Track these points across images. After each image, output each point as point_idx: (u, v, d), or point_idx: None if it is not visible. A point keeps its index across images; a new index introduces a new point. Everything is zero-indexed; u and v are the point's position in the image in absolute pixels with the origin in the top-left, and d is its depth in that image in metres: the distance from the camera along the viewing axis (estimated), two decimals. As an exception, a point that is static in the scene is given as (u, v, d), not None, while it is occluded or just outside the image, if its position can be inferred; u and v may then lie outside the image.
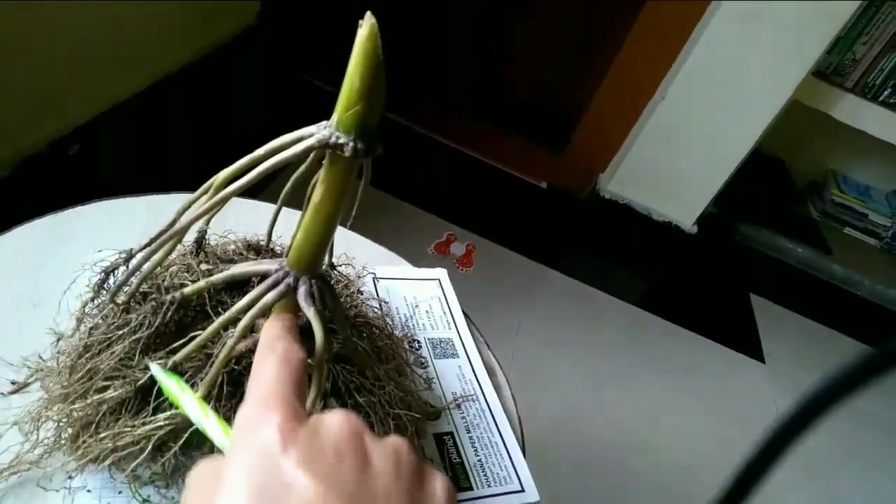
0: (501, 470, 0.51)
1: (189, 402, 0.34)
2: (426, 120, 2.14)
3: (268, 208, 0.47)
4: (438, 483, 0.29)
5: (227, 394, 0.38)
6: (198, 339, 0.38)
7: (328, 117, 0.35)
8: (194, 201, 0.42)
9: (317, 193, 0.36)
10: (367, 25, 0.31)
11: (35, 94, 1.26)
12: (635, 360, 1.73)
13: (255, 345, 0.40)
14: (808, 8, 1.70)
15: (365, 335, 0.46)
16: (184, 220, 0.38)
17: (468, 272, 1.74)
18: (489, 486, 0.50)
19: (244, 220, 0.54)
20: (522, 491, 0.50)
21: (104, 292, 0.44)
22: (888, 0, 1.90)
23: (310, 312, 0.38)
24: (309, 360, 0.37)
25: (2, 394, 0.44)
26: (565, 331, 1.72)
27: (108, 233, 0.58)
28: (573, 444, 1.45)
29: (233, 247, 0.48)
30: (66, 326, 0.46)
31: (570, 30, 2.00)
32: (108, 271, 0.44)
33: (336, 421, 0.28)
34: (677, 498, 1.44)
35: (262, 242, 0.49)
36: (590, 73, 2.03)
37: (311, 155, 0.37)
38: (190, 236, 0.44)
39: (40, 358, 0.45)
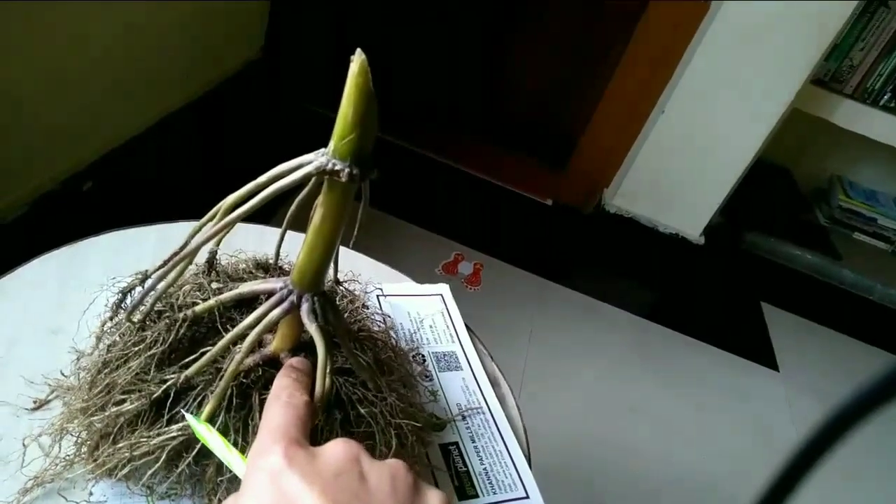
0: (506, 478, 0.52)
1: (216, 442, 0.38)
2: (430, 143, 2.17)
3: (274, 232, 0.49)
4: (435, 499, 0.32)
5: (237, 405, 0.40)
6: (208, 355, 0.40)
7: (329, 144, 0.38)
8: (203, 225, 0.44)
9: (317, 216, 0.39)
10: (357, 61, 0.34)
11: (48, 133, 1.30)
12: (647, 372, 1.73)
13: (262, 359, 0.42)
14: (804, 16, 1.73)
15: (368, 348, 0.48)
16: (194, 243, 0.40)
17: (477, 290, 1.75)
18: (494, 493, 0.51)
19: (252, 242, 0.56)
20: (527, 497, 0.51)
21: (121, 311, 0.46)
22: (882, 5, 1.92)
23: (312, 328, 0.40)
24: (315, 402, 0.39)
25: (25, 409, 0.46)
26: (576, 345, 1.73)
27: (120, 260, 0.61)
28: (585, 459, 1.45)
29: (243, 266, 0.50)
30: (84, 346, 0.48)
31: (569, 47, 2.04)
32: (125, 292, 0.46)
33: (334, 447, 0.32)
34: (695, 509, 1.43)
35: (270, 261, 0.51)
36: (590, 90, 2.05)
37: (312, 180, 0.40)
38: (202, 257, 0.46)
39: (62, 374, 0.47)
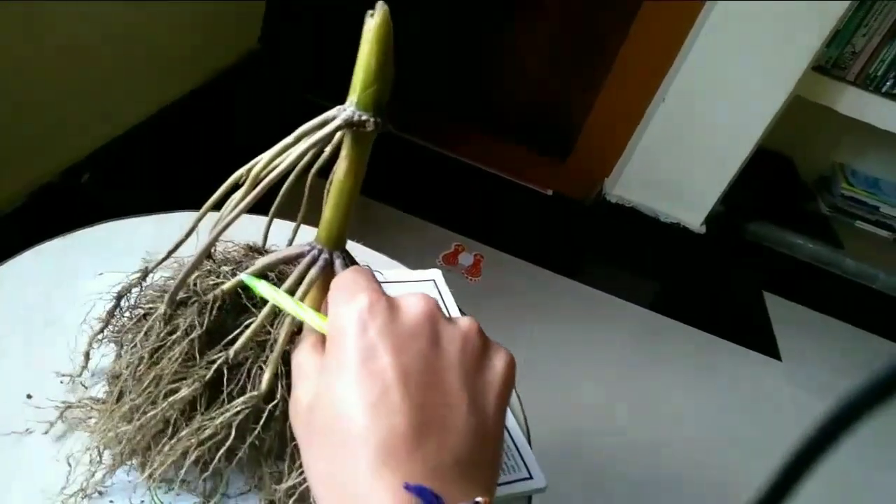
0: (509, 459, 0.53)
1: (283, 298, 0.39)
2: (429, 133, 2.17)
3: (251, 220, 0.49)
4: (500, 359, 0.34)
5: (285, 372, 0.40)
6: (253, 326, 0.41)
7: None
8: (211, 207, 0.44)
9: (340, 170, 0.40)
10: (380, 12, 0.35)
11: (45, 124, 1.30)
12: (649, 362, 1.73)
13: (299, 326, 0.43)
14: (806, 2, 1.71)
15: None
16: (228, 218, 0.41)
17: (477, 282, 1.75)
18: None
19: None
20: (531, 478, 0.52)
21: (118, 313, 0.46)
22: (885, -9, 1.91)
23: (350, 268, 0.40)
24: None
25: (48, 424, 0.45)
26: (577, 336, 1.72)
27: (115, 251, 0.60)
28: (587, 449, 1.45)
29: (234, 254, 0.49)
30: (80, 340, 0.48)
31: (569, 36, 2.02)
32: (122, 295, 0.46)
33: (414, 302, 0.33)
34: (698, 498, 1.43)
35: (258, 245, 0.51)
36: (590, 80, 2.04)
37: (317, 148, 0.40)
38: (195, 245, 0.46)
39: (83, 385, 0.47)
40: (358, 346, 0.31)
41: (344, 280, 0.35)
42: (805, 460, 0.19)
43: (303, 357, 0.35)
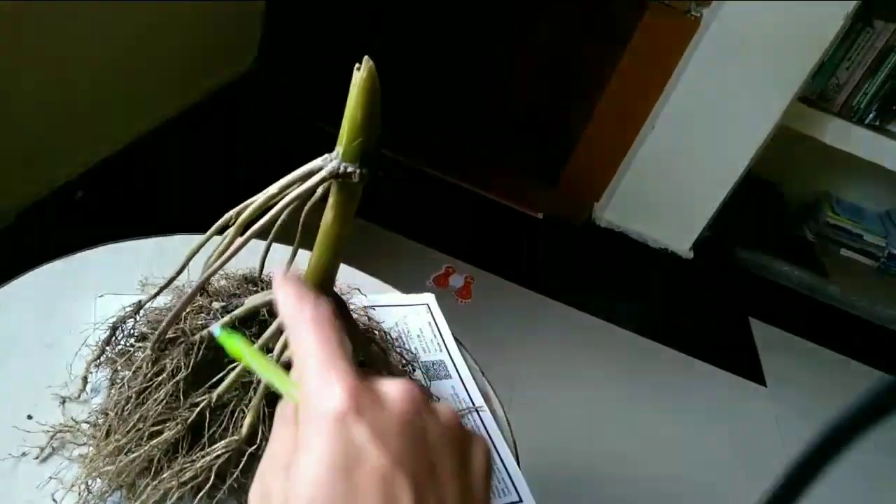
0: (499, 483, 0.53)
1: (253, 358, 0.35)
2: (421, 156, 2.19)
3: (248, 247, 0.50)
4: (479, 448, 0.32)
5: (270, 414, 0.41)
6: (236, 370, 0.41)
7: (324, 151, 0.39)
8: (203, 244, 0.45)
9: (327, 218, 0.40)
10: (365, 67, 0.36)
11: (39, 142, 1.30)
12: (636, 386, 1.74)
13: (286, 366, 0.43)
14: (791, 35, 1.76)
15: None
16: (212, 268, 0.41)
17: (467, 304, 1.76)
18: None
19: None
20: (521, 501, 0.52)
21: (112, 345, 0.47)
22: (867, 25, 1.96)
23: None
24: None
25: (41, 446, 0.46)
26: (565, 359, 1.73)
27: (115, 274, 0.61)
28: (574, 471, 1.46)
29: (224, 283, 0.50)
30: (79, 361, 0.48)
31: (561, 64, 2.06)
32: (116, 326, 0.47)
33: (397, 392, 0.30)
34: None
35: (255, 276, 0.52)
36: (581, 106, 2.08)
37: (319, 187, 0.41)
38: (192, 276, 0.47)
39: (73, 420, 0.47)
40: (340, 450, 0.27)
41: (301, 347, 0.31)
42: (799, 479, 0.19)
43: (276, 433, 0.32)
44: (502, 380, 1.54)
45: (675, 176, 2.04)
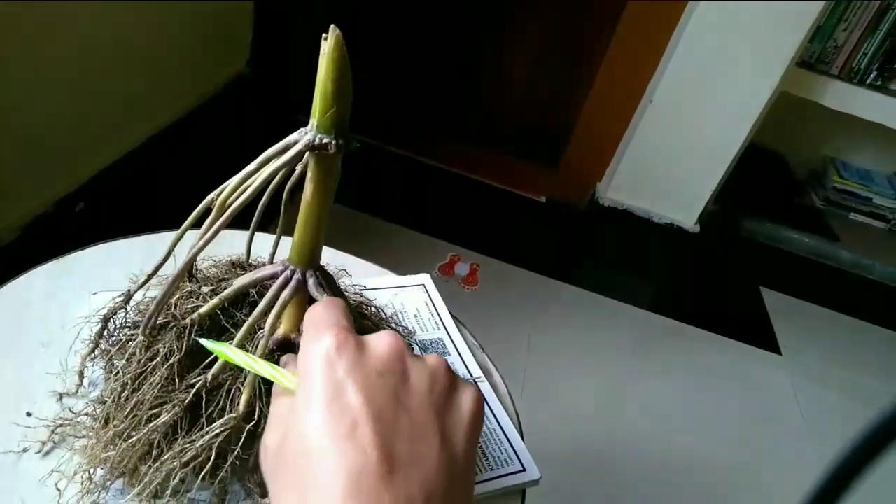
0: (502, 453, 0.53)
1: (239, 356, 0.39)
2: (420, 146, 2.18)
3: (232, 235, 0.50)
4: (468, 396, 0.34)
5: (265, 391, 0.41)
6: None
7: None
8: (186, 230, 0.45)
9: (307, 191, 0.41)
10: (332, 37, 0.36)
11: (39, 155, 1.31)
12: (650, 363, 1.73)
13: (275, 344, 0.44)
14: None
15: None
16: (196, 246, 0.41)
17: (474, 291, 1.75)
18: (492, 469, 0.52)
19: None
20: (524, 471, 0.52)
21: (105, 337, 0.47)
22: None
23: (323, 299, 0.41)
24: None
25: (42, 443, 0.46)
26: (577, 341, 1.73)
27: (108, 272, 0.61)
28: (589, 451, 1.45)
29: (215, 270, 0.50)
30: (75, 358, 0.49)
31: (555, 44, 2.04)
32: (108, 317, 0.47)
33: (381, 340, 0.33)
34: (701, 496, 1.43)
35: (242, 259, 0.52)
36: (578, 85, 2.06)
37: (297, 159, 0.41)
38: (171, 269, 0.47)
39: (70, 412, 0.47)
40: (325, 384, 0.31)
41: (313, 316, 0.35)
42: (842, 480, 0.17)
43: (276, 400, 0.36)
44: (512, 365, 1.54)
45: (676, 150, 2.02)
